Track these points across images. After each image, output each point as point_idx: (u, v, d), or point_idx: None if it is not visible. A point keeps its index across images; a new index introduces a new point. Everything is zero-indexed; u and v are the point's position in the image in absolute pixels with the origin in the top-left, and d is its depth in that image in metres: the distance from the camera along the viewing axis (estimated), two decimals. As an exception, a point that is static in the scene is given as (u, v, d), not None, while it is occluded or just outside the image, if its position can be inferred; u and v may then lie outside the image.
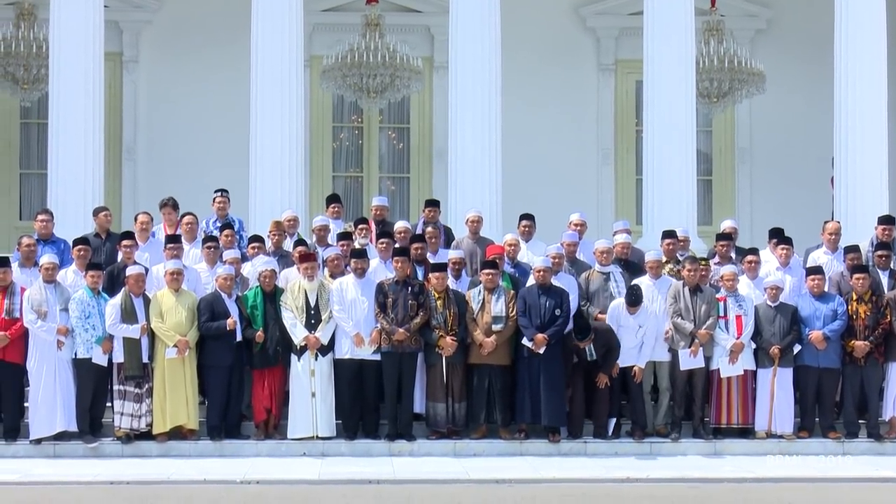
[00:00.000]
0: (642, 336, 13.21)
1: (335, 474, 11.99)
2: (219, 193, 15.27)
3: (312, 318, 13.09)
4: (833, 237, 14.70)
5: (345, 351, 13.17)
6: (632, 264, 14.15)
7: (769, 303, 13.51)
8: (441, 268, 13.31)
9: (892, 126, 17.72)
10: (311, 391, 13.02)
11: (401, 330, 12.96)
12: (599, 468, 12.36)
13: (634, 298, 13.09)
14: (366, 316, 13.17)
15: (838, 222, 15.20)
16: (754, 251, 14.34)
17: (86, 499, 10.76)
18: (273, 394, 13.15)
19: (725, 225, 15.42)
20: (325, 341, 13.10)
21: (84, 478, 11.79)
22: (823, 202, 19.30)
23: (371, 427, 13.26)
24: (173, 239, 13.79)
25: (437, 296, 13.19)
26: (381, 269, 13.80)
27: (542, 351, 12.95)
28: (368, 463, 12.54)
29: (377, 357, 13.15)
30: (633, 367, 13.25)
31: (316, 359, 13.08)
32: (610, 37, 21.09)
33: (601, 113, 21.12)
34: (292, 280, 13.41)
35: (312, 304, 13.10)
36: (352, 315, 13.15)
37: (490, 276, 13.21)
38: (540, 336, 12.93)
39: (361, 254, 13.49)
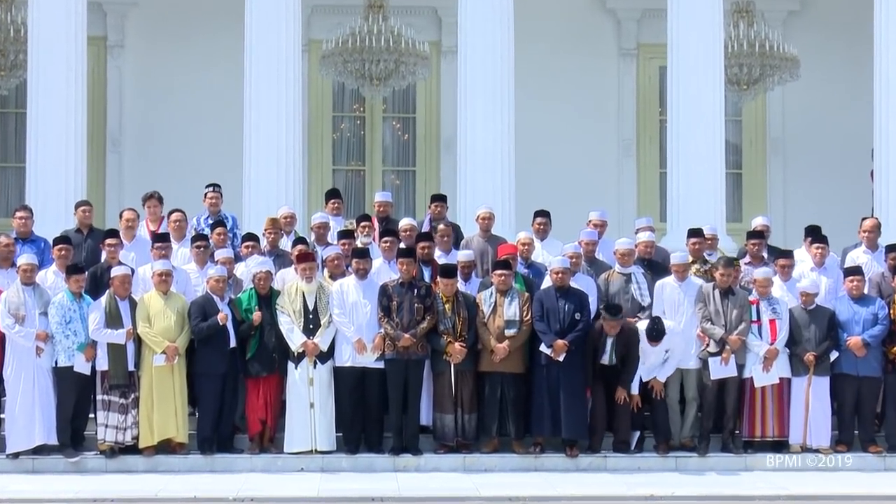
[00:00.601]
0: (668, 356, 13.22)
1: (335, 491, 11.98)
2: (210, 188, 15.26)
3: (311, 322, 13.06)
4: (871, 235, 14.66)
5: (345, 358, 13.14)
6: (655, 264, 14.12)
7: (804, 307, 13.47)
8: (450, 272, 13.25)
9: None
10: (309, 401, 13.01)
11: (406, 335, 12.93)
12: (621, 485, 12.33)
13: (656, 333, 12.97)
14: (368, 320, 13.14)
15: (877, 218, 15.17)
16: (788, 254, 14.23)
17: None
18: (268, 404, 13.13)
19: (757, 222, 15.37)
20: (324, 348, 13.08)
21: (65, 495, 11.77)
22: (862, 197, 19.22)
23: (374, 440, 13.24)
24: (161, 238, 13.78)
25: (445, 299, 13.16)
26: (385, 270, 13.77)
27: (561, 358, 12.90)
28: (371, 479, 12.51)
29: (380, 365, 13.12)
30: (652, 381, 13.23)
31: (315, 366, 13.05)
32: (631, 19, 21.06)
33: (622, 101, 21.10)
34: (289, 282, 13.39)
35: (311, 307, 13.08)
36: (353, 319, 13.13)
37: (503, 278, 13.16)
38: (560, 342, 12.88)
39: (363, 253, 13.45)
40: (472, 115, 17.03)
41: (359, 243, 14.13)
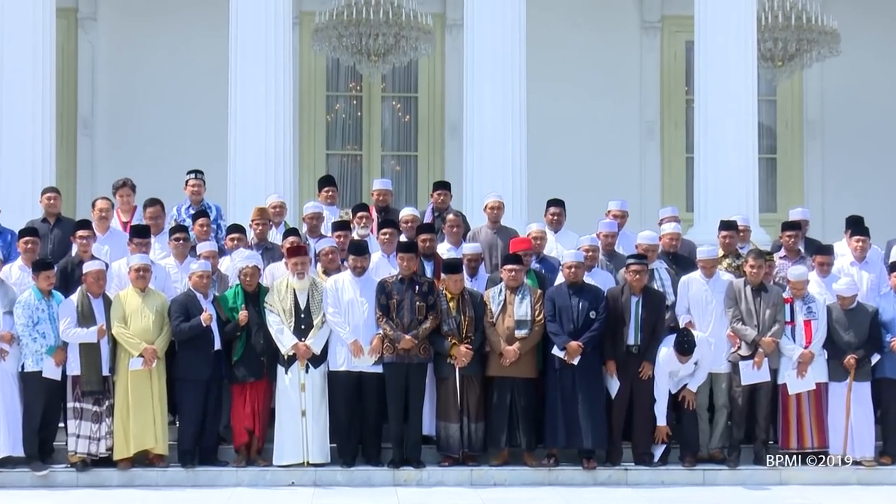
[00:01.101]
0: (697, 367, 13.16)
1: (331, 498, 11.99)
2: (192, 175, 15.18)
3: (302, 322, 13.01)
4: None
5: (340, 362, 13.05)
6: (681, 258, 14.07)
7: (843, 307, 13.42)
8: (456, 267, 13.17)
9: None
10: (300, 409, 12.94)
11: (407, 337, 12.88)
12: (643, 500, 12.28)
13: (687, 346, 12.92)
14: (365, 320, 13.08)
15: None
16: (828, 250, 14.09)
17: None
18: (256, 412, 13.05)
19: (795, 214, 15.31)
20: (317, 350, 13.03)
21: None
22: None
23: (372, 452, 13.19)
24: (140, 231, 13.69)
25: (450, 297, 13.10)
26: (384, 265, 13.74)
27: (576, 361, 12.86)
28: (369, 494, 12.46)
29: (378, 369, 13.06)
30: (683, 392, 13.19)
31: (307, 371, 12.98)
32: (656, -11, 21.10)
33: (644, 80, 21.12)
34: (279, 277, 13.33)
35: (303, 305, 13.03)
36: (349, 319, 13.07)
37: (513, 274, 13.07)
38: (574, 344, 12.84)
39: (361, 249, 13.35)
40: (480, 95, 17.01)
41: (355, 235, 14.07)
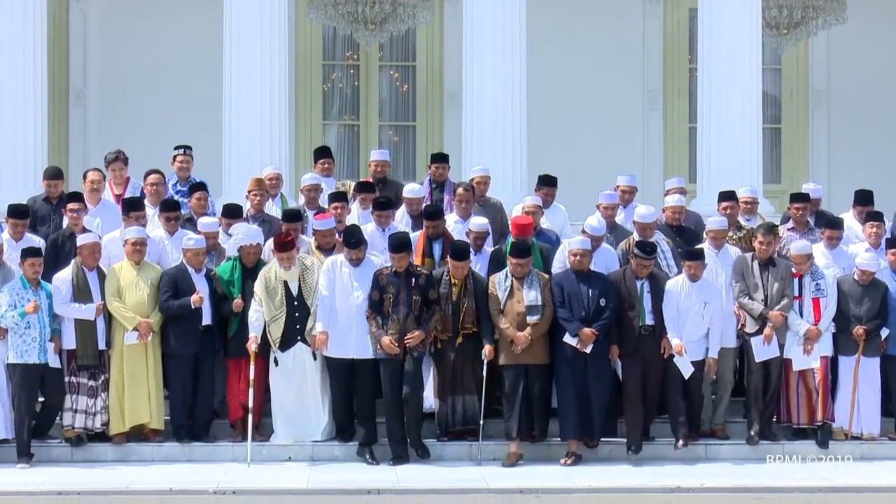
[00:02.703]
0: (709, 317, 12.97)
1: (327, 482, 12.03)
2: (181, 151, 15.10)
3: (297, 310, 12.83)
4: None
5: (332, 348, 12.87)
6: (686, 231, 14.07)
7: (856, 278, 13.30)
8: (463, 254, 12.86)
9: None
10: (296, 386, 12.90)
11: (387, 338, 12.58)
12: (645, 475, 12.35)
13: (696, 253, 12.91)
14: (358, 305, 12.81)
15: None
16: (837, 224, 13.99)
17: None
18: (256, 388, 12.90)
19: (807, 188, 15.18)
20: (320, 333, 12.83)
21: (26, 487, 11.80)
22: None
23: (370, 438, 12.97)
24: (134, 205, 13.65)
25: (454, 282, 12.84)
26: (378, 237, 13.56)
27: (589, 349, 12.70)
28: (367, 469, 12.54)
29: (369, 355, 12.83)
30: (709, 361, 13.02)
31: (314, 358, 12.90)
32: (658, -45, 21.08)
33: (647, 48, 21.10)
34: (268, 265, 13.10)
35: (294, 293, 12.84)
36: (343, 302, 12.78)
37: (520, 267, 12.78)
38: (587, 330, 12.64)
39: (356, 242, 12.91)
40: (480, 65, 16.99)
41: (353, 212, 13.89)
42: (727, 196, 14.36)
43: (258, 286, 12.88)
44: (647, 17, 21.11)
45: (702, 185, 17.13)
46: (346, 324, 12.81)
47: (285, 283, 12.86)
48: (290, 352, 12.88)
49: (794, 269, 13.26)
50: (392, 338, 12.59)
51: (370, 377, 12.90)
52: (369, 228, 13.70)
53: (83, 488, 11.77)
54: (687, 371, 12.85)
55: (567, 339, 12.72)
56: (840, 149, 21.02)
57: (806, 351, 13.12)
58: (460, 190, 14.25)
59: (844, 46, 20.67)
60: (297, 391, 12.90)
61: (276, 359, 12.86)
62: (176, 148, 15.20)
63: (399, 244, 12.80)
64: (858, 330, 13.16)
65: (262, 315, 12.83)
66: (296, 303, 12.86)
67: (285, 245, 12.87)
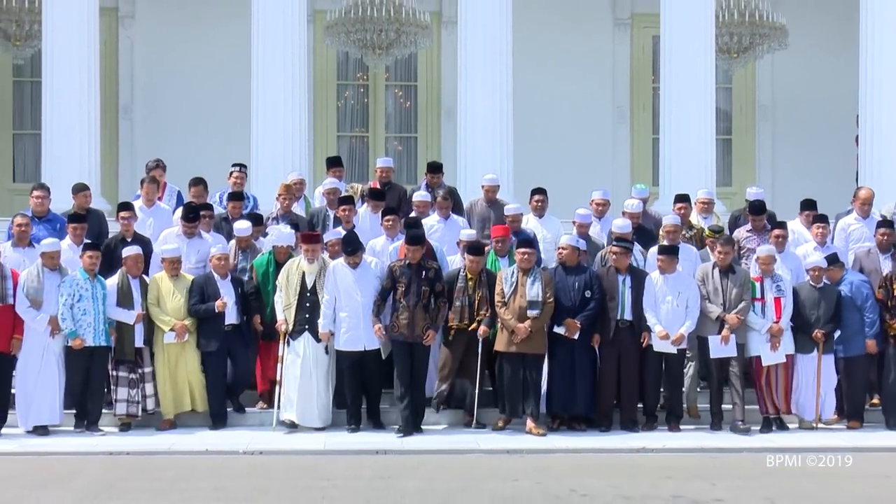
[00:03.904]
0: (684, 306, 12.66)
1: (340, 445, 12.00)
2: (237, 168, 14.92)
3: (308, 300, 12.62)
4: (866, 207, 14.20)
5: (342, 342, 12.65)
6: (645, 231, 13.89)
7: (812, 284, 12.96)
8: (478, 250, 12.69)
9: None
10: (307, 374, 12.61)
11: (378, 326, 12.40)
12: (615, 440, 12.33)
13: (667, 249, 12.73)
14: (361, 305, 12.54)
15: (871, 190, 14.59)
16: (782, 224, 13.72)
17: (85, 469, 10.78)
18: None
19: (750, 193, 14.97)
20: (328, 330, 12.61)
21: (82, 448, 11.81)
22: (848, 161, 19.24)
23: (376, 421, 12.81)
24: (192, 216, 13.37)
25: (469, 276, 12.62)
26: (387, 247, 13.40)
27: (576, 336, 12.55)
28: (374, 435, 12.50)
29: (377, 345, 12.62)
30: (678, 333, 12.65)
31: (326, 351, 12.67)
32: (626, -11, 21.02)
33: (616, 70, 21.05)
34: (295, 256, 12.99)
35: (309, 285, 12.64)
36: (346, 303, 12.54)
37: (526, 256, 12.54)
38: (571, 321, 12.48)
39: (353, 248, 12.61)
40: (472, 84, 17.02)
41: (341, 229, 13.55)
42: (681, 198, 14.27)
43: (280, 275, 12.79)
44: (616, 42, 21.08)
45: (663, 188, 17.09)
46: (353, 321, 12.56)
47: (303, 276, 12.69)
48: (299, 339, 12.67)
49: (756, 274, 12.84)
50: (381, 327, 12.43)
51: (378, 366, 12.72)
52: (380, 242, 13.48)
53: (132, 449, 11.74)
54: (658, 346, 12.65)
55: (556, 329, 12.54)
56: (783, 157, 21.02)
57: (773, 348, 12.71)
58: (440, 198, 14.12)
59: (786, 68, 20.67)
60: (302, 377, 12.62)
61: (288, 342, 12.70)
62: (233, 165, 14.99)
63: (415, 238, 12.65)
64: (818, 334, 12.77)
65: (280, 299, 12.73)
66: (308, 293, 12.65)
67: (311, 238, 12.81)
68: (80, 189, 14.31)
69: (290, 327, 12.64)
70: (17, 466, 11.09)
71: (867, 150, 17.35)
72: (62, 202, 14.60)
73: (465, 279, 12.65)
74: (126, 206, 13.64)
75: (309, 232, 13.19)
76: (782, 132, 21.16)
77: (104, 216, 14.56)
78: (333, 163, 15.63)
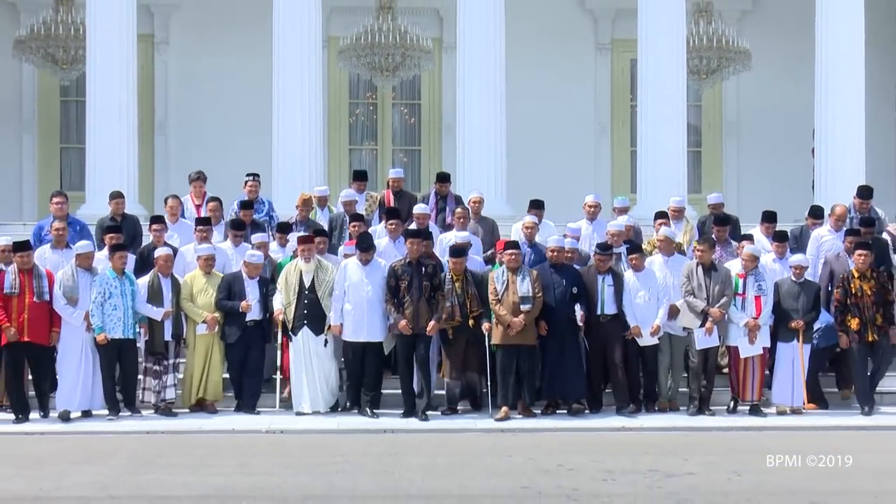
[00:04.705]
0: (654, 299, 12.55)
1: (353, 425, 12.00)
2: (251, 178, 14.78)
3: (306, 297, 12.40)
4: (840, 223, 13.88)
5: (347, 333, 12.44)
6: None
7: (793, 279, 12.71)
8: (460, 252, 12.53)
9: (868, 99, 17.62)
10: (311, 365, 12.46)
11: (403, 322, 12.25)
12: (597, 420, 12.29)
13: (636, 247, 12.65)
14: (368, 298, 12.36)
15: (845, 206, 14.22)
16: (749, 237, 13.43)
17: (123, 447, 10.78)
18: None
19: (711, 198, 14.71)
20: (337, 322, 12.44)
21: (119, 429, 11.81)
22: (805, 171, 19.25)
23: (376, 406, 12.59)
24: (203, 221, 13.44)
25: (455, 277, 12.44)
26: (390, 248, 13.24)
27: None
28: (383, 417, 12.36)
29: (379, 338, 12.47)
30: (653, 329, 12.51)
31: (325, 344, 12.49)
32: (607, 18, 20.98)
33: (598, 89, 21.06)
34: (293, 261, 12.76)
35: (307, 283, 12.42)
36: (354, 297, 12.36)
37: (513, 256, 12.41)
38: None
39: (366, 246, 12.55)
40: (469, 102, 17.00)
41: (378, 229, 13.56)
42: (660, 215, 14.05)
43: (280, 278, 12.59)
44: (598, 65, 21.09)
45: (640, 195, 17.10)
46: (358, 314, 12.40)
47: (301, 275, 12.46)
48: (299, 334, 12.46)
49: (740, 271, 12.60)
50: (407, 321, 12.26)
51: (378, 355, 12.57)
52: (383, 243, 13.30)
53: (166, 429, 11.76)
54: (643, 342, 12.54)
55: (577, 310, 12.27)
56: (747, 167, 21.01)
57: (750, 341, 12.48)
58: (459, 210, 13.88)
59: (750, 88, 20.67)
60: (305, 368, 12.46)
61: (290, 336, 12.52)
62: (247, 175, 14.84)
63: (416, 231, 12.65)
64: (798, 323, 12.55)
65: (281, 297, 12.50)
66: (306, 291, 12.43)
67: (306, 239, 12.61)
68: (115, 196, 14.32)
69: (291, 323, 12.42)
70: (62, 444, 11.09)
71: (822, 161, 17.39)
72: (103, 208, 14.61)
73: (452, 280, 12.45)
74: (157, 220, 13.58)
75: (303, 234, 12.98)
76: (746, 145, 21.16)
77: (138, 221, 14.53)
78: (359, 176, 15.42)
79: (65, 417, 12.22)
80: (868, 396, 12.73)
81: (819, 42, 17.37)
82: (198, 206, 14.59)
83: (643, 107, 17.39)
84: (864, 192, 14.46)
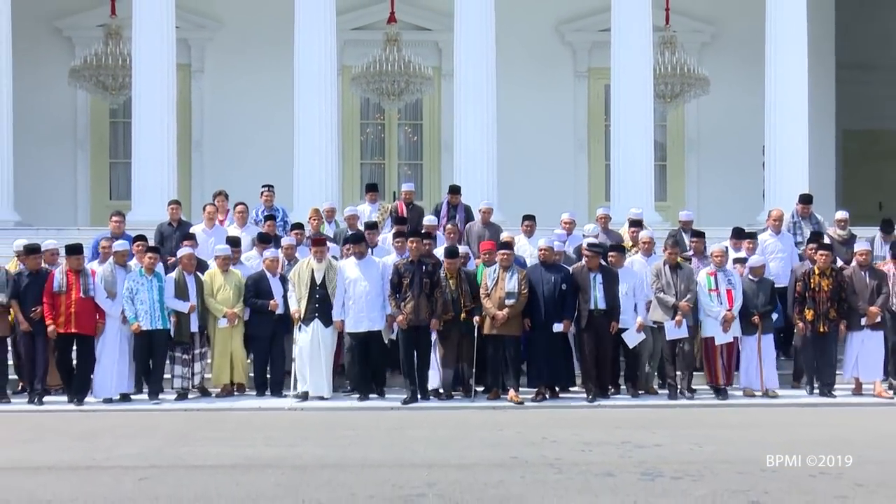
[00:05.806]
0: (632, 294, 12.32)
1: (362, 404, 11.94)
2: (266, 188, 14.64)
3: (317, 293, 12.14)
4: (777, 223, 13.73)
5: (350, 326, 12.14)
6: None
7: (751, 278, 12.53)
8: (453, 254, 12.29)
9: (811, 119, 17.62)
10: (314, 354, 12.16)
11: (401, 317, 11.98)
12: (581, 400, 12.10)
13: (616, 247, 12.41)
14: (366, 294, 12.06)
15: (781, 210, 14.08)
16: (753, 235, 13.30)
17: (163, 423, 10.69)
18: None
19: (682, 215, 14.37)
20: (340, 317, 12.17)
21: (161, 406, 11.74)
22: (757, 182, 19.24)
23: (380, 387, 12.40)
24: (234, 242, 13.07)
25: (450, 276, 12.19)
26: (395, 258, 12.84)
27: (560, 329, 12.06)
28: (390, 398, 12.24)
29: (380, 327, 12.23)
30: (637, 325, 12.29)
31: (329, 331, 12.18)
32: (584, 49, 20.93)
33: (577, 111, 21.01)
34: (304, 259, 12.54)
35: (318, 281, 12.15)
36: (353, 292, 12.12)
37: (506, 256, 12.17)
38: (566, 322, 12.04)
39: (359, 239, 12.37)
40: (465, 122, 16.97)
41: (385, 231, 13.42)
42: (634, 223, 13.84)
43: (292, 274, 12.34)
44: (577, 90, 21.05)
45: (614, 203, 16.97)
46: (358, 307, 12.14)
47: (312, 272, 12.20)
48: (310, 325, 12.19)
49: (711, 269, 12.40)
50: (405, 315, 11.99)
51: (380, 343, 12.36)
52: (391, 259, 12.78)
53: (201, 407, 11.69)
54: (631, 341, 12.34)
55: (555, 327, 12.00)
56: (706, 178, 20.98)
57: (725, 330, 12.28)
58: (449, 226, 13.48)
59: (709, 109, 20.65)
60: (312, 355, 12.19)
61: (300, 327, 12.27)
62: (263, 186, 14.73)
63: (418, 233, 12.45)
64: (755, 318, 12.37)
65: (293, 293, 12.26)
66: (318, 287, 12.15)
67: (319, 242, 12.39)
68: (172, 203, 14.22)
69: (303, 315, 12.17)
70: (109, 421, 10.97)
71: (771, 173, 17.39)
72: (147, 215, 14.57)
73: (446, 278, 12.22)
74: (188, 237, 13.24)
75: (316, 236, 12.83)
76: (705, 159, 21.12)
77: (190, 225, 14.25)
78: (371, 188, 15.32)
79: (107, 401, 12.05)
80: (812, 379, 12.60)
81: (769, 69, 17.35)
82: (220, 221, 14.28)
83: (616, 126, 17.33)
84: (806, 199, 14.34)
